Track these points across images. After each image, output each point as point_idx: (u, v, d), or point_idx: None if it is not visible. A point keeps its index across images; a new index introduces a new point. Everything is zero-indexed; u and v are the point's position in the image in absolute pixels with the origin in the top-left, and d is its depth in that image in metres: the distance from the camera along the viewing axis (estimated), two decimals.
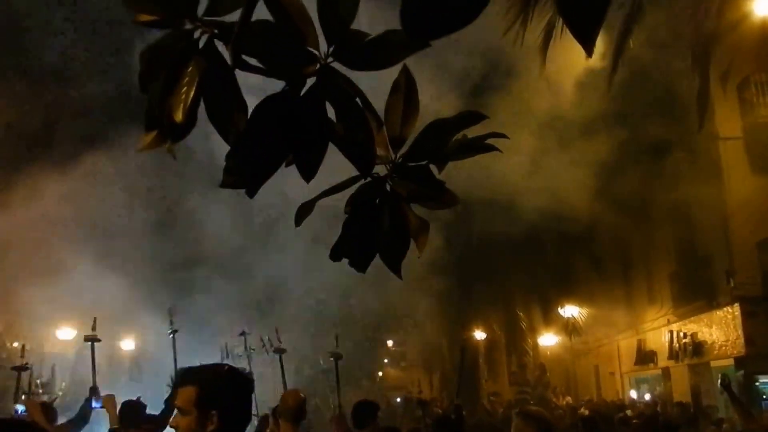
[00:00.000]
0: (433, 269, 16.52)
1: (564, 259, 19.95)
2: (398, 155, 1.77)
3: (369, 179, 1.69)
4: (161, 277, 16.16)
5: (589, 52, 1.17)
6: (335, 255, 1.69)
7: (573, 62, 13.10)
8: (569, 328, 19.78)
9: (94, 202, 15.51)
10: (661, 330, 17.95)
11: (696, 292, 16.57)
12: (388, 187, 1.72)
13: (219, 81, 1.40)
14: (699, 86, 12.07)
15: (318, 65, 1.54)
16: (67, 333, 19.26)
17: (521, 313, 22.23)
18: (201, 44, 1.46)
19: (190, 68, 1.31)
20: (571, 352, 19.76)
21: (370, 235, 1.69)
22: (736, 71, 14.55)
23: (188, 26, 1.46)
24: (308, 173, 1.51)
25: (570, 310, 19.89)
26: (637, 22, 12.42)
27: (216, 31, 1.45)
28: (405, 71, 1.74)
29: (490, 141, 1.92)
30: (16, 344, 19.08)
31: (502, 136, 1.99)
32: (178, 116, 1.25)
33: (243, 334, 12.85)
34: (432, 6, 0.97)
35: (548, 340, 21.59)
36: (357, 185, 1.73)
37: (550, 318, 21.27)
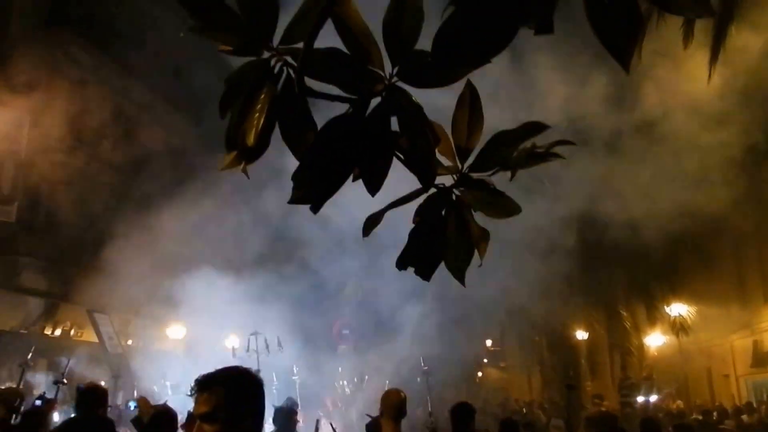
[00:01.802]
0: (531, 265, 16.29)
1: (671, 254, 19.04)
2: (464, 165, 1.84)
3: (435, 190, 1.78)
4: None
5: (627, 69, 1.21)
6: (401, 264, 1.78)
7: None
8: (677, 326, 18.87)
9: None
10: None
11: None
12: (453, 197, 1.80)
13: (291, 105, 1.53)
14: None
15: (383, 84, 1.64)
16: (177, 331, 20.38)
17: (624, 312, 21.38)
18: (276, 71, 1.60)
19: (262, 95, 1.44)
20: (680, 352, 18.81)
21: (435, 244, 1.77)
22: None
23: (265, 54, 1.60)
24: (374, 187, 1.61)
25: (677, 308, 18.98)
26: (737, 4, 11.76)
27: (288, 58, 1.58)
28: (469, 85, 1.81)
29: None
30: (130, 342, 20.50)
31: (570, 143, 2.02)
32: (250, 140, 1.39)
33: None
34: (462, 39, 1.04)
35: (655, 339, 20.68)
36: (425, 196, 1.83)
37: (655, 316, 20.37)
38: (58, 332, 19.30)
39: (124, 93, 21.68)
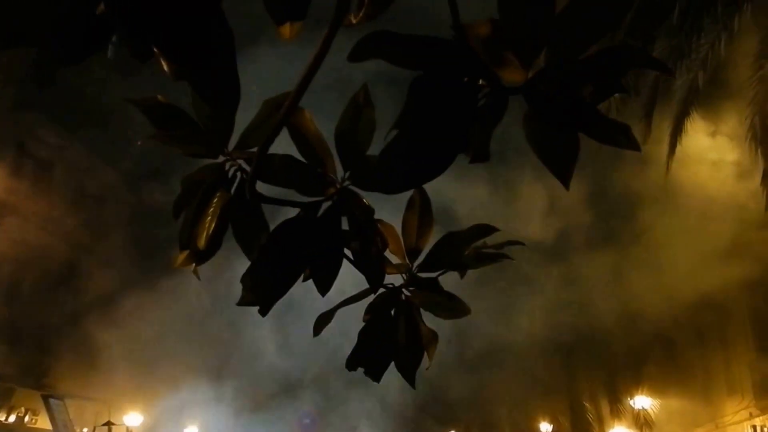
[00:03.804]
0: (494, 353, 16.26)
1: (635, 347, 19.18)
2: (414, 265, 1.90)
3: (386, 290, 1.82)
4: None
5: (566, 186, 1.29)
6: (351, 364, 1.79)
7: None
8: (641, 420, 18.72)
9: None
10: (744, 424, 16.80)
11: None
12: (403, 297, 1.84)
13: (243, 208, 1.58)
14: (763, 166, 11.77)
15: (335, 188, 1.71)
16: (134, 419, 19.58)
17: (588, 404, 21.23)
18: (230, 175, 1.66)
19: (215, 199, 1.49)
20: None
21: (385, 344, 1.80)
22: None
23: (220, 159, 1.67)
24: (324, 287, 1.65)
25: (641, 401, 18.89)
26: (695, 104, 12.41)
27: (242, 162, 1.65)
28: (419, 190, 1.90)
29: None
30: (85, 430, 19.60)
31: (520, 243, 2.11)
32: (201, 243, 1.43)
33: None
34: (402, 162, 1.11)
35: None
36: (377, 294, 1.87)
37: (619, 409, 20.23)
38: (12, 419, 18.42)
39: (90, 173, 21.65)
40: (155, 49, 0.86)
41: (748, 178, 13.30)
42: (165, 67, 0.91)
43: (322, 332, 1.86)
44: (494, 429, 25.70)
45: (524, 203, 15.27)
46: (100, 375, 15.78)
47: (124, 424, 19.47)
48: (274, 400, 19.05)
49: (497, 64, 1.08)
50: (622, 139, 1.08)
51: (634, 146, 1.09)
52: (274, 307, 1.57)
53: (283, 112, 1.30)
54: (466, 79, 1.05)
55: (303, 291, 1.77)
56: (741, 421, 16.96)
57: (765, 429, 15.71)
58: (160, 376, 15.28)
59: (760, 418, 16.02)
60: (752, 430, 16.15)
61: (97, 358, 15.24)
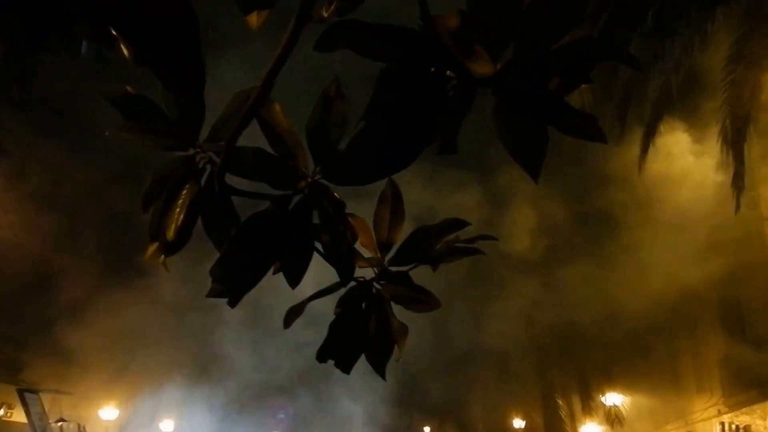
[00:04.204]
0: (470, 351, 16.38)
1: (607, 345, 19.42)
2: (386, 259, 1.90)
3: (357, 283, 1.82)
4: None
5: (535, 180, 1.31)
6: (322, 356, 1.79)
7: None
8: (612, 417, 18.98)
9: None
10: (712, 421, 17.08)
11: (748, 380, 15.83)
12: (374, 290, 1.84)
13: (213, 200, 1.57)
14: (734, 168, 12.01)
15: (306, 182, 1.70)
16: (110, 413, 19.42)
17: (560, 401, 21.48)
18: (200, 167, 1.65)
19: (185, 191, 1.48)
20: None
21: (356, 337, 1.80)
22: None
23: (190, 151, 1.65)
24: (294, 280, 1.64)
25: (612, 398, 19.14)
26: (668, 106, 12.60)
27: (212, 155, 1.64)
28: (391, 184, 1.90)
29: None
30: (60, 424, 19.36)
31: (492, 238, 2.12)
32: (170, 235, 1.41)
33: None
34: (370, 153, 1.12)
35: (590, 429, 20.69)
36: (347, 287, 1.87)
37: (591, 406, 20.50)
38: None
39: (63, 170, 21.31)
40: (115, 33, 0.85)
41: (720, 180, 13.53)
42: (125, 52, 0.89)
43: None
44: (469, 425, 25.87)
45: (496, 204, 15.41)
46: (76, 370, 15.62)
47: (100, 418, 19.36)
48: (250, 394, 19.00)
49: (466, 56, 1.08)
50: (589, 130, 1.09)
51: (601, 138, 1.10)
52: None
53: (250, 103, 1.29)
54: (434, 70, 1.06)
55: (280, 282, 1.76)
56: (709, 418, 17.26)
57: (733, 425, 15.99)
58: (137, 371, 15.17)
59: (728, 414, 16.30)
60: (720, 426, 16.43)
61: (73, 353, 15.08)
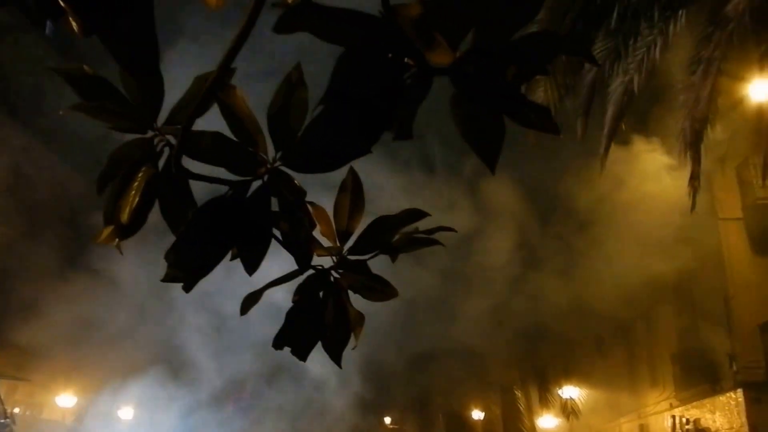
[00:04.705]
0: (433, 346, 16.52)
1: (565, 339, 19.79)
2: (345, 248, 1.91)
3: (315, 271, 1.82)
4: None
5: (492, 170, 1.32)
6: (278, 343, 1.79)
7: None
8: (568, 409, 19.38)
9: None
10: (664, 415, 17.57)
11: (698, 376, 16.30)
12: (332, 279, 1.85)
13: (170, 184, 1.55)
14: (691, 168, 12.31)
15: (266, 168, 1.69)
16: (67, 400, 19.09)
17: (519, 393, 21.85)
18: (158, 150, 1.63)
19: (141, 173, 1.46)
20: None
21: (312, 325, 1.80)
22: (733, 153, 14.88)
23: (149, 133, 1.63)
24: (251, 267, 1.64)
25: (569, 391, 19.54)
26: (629, 105, 12.81)
27: (171, 138, 1.61)
28: (352, 172, 1.90)
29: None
30: (17, 410, 18.96)
31: (451, 229, 2.14)
32: (124, 217, 1.39)
33: None
34: (327, 138, 1.11)
35: (547, 422, 21.10)
36: (305, 275, 1.87)
37: (548, 399, 20.89)
38: None
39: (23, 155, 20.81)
40: (62, 4, 0.82)
41: (678, 180, 13.85)
42: (73, 24, 0.87)
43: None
44: (429, 416, 26.11)
45: (457, 198, 15.55)
46: (34, 358, 15.30)
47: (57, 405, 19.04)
48: (213, 384, 18.84)
49: (424, 44, 1.09)
50: (542, 122, 1.10)
51: (554, 130, 1.12)
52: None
53: (207, 86, 1.28)
54: (392, 56, 1.06)
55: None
56: (662, 412, 17.74)
57: (683, 419, 16.46)
58: (97, 359, 14.93)
59: (679, 408, 16.78)
60: (671, 419, 16.90)
61: (31, 341, 14.76)
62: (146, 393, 15.30)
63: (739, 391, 14.41)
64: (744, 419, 14.20)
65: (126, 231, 1.43)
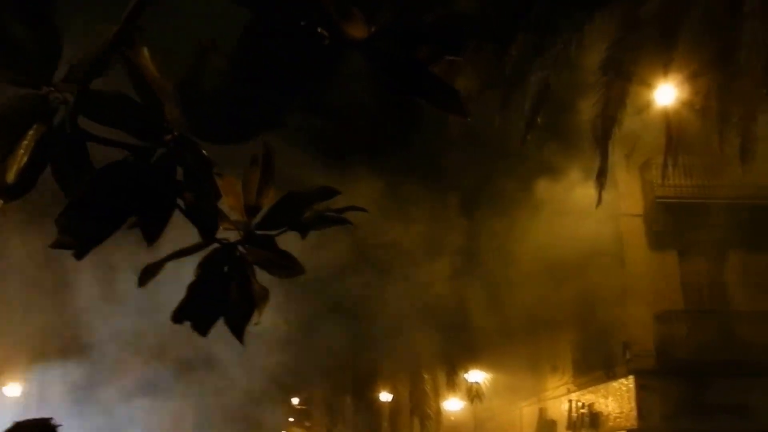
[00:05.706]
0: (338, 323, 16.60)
1: (472, 325, 20.31)
2: (252, 223, 1.86)
3: (220, 245, 1.77)
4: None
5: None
6: (178, 317, 1.73)
7: None
8: (473, 393, 19.97)
9: None
10: (562, 399, 18.40)
11: (595, 363, 17.16)
12: (237, 254, 1.80)
13: (64, 145, 1.45)
14: (599, 165, 12.88)
15: (172, 135, 1.62)
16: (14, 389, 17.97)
17: (426, 376, 22.32)
18: (53, 108, 1.52)
19: (31, 132, 1.36)
20: (474, 418, 19.92)
21: (215, 299, 1.76)
22: (638, 153, 15.65)
23: (44, 90, 1.52)
24: (151, 237, 1.57)
25: (474, 375, 20.13)
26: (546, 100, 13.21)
27: (68, 96, 1.51)
28: (265, 145, 1.86)
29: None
30: None
31: (362, 209, 2.13)
32: (10, 177, 1.30)
33: None
34: (233, 113, 1.07)
35: (453, 405, 21.68)
36: (210, 249, 1.81)
37: (455, 382, 21.45)
38: None
39: None
40: None
41: (585, 176, 14.45)
42: None
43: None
44: (337, 398, 26.28)
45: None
46: None
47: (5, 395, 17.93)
48: (110, 359, 18.18)
49: (340, 16, 1.06)
50: (451, 103, 1.10)
51: (461, 112, 1.12)
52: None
53: (109, 40, 1.21)
54: (304, 24, 1.03)
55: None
56: (560, 396, 18.59)
57: (579, 403, 17.30)
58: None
59: (576, 393, 17.63)
60: (568, 403, 17.74)
61: None
62: (37, 369, 14.55)
63: (631, 378, 15.26)
64: (633, 404, 15.08)
65: (12, 192, 1.34)
